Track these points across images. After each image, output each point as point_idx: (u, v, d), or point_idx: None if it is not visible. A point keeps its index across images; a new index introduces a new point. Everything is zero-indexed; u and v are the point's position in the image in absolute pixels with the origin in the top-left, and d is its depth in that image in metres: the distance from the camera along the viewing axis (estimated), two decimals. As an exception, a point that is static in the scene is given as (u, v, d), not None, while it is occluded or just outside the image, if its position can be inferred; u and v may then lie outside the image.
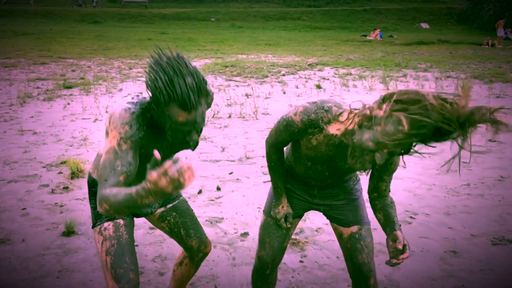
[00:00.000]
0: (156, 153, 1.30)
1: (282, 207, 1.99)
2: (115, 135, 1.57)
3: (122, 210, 1.44)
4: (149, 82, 1.50)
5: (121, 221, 1.83)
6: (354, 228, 1.97)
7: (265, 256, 2.06)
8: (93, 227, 1.86)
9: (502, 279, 2.76)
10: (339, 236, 2.02)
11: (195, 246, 2.11)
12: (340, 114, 1.66)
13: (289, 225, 2.01)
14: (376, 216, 1.89)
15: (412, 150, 1.54)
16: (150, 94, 1.54)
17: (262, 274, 2.11)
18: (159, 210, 2.06)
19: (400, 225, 1.85)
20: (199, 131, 1.65)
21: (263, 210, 2.12)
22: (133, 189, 1.36)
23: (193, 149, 1.78)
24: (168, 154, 1.81)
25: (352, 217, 1.99)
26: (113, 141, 1.57)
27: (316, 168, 1.85)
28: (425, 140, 1.43)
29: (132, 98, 1.66)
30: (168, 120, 1.54)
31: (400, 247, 1.73)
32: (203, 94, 1.53)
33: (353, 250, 1.96)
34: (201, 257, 2.17)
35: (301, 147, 1.79)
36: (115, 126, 1.58)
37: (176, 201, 2.09)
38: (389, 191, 1.90)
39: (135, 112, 1.60)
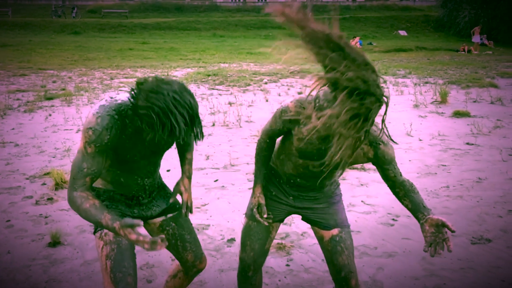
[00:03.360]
0: (137, 221, 1.51)
1: (254, 197, 2.04)
2: (82, 138, 1.69)
3: (88, 220, 1.68)
4: (144, 105, 1.52)
5: None
6: (335, 231, 2.03)
7: (246, 258, 2.11)
8: (94, 232, 1.90)
9: (481, 277, 2.85)
10: (320, 239, 2.08)
11: (190, 260, 2.12)
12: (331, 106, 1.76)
13: (265, 216, 2.01)
14: (403, 203, 1.90)
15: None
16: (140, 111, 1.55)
17: (245, 276, 2.16)
18: (159, 219, 2.08)
19: (431, 210, 1.85)
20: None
21: (245, 214, 2.18)
22: (103, 218, 1.60)
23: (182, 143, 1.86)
24: (147, 156, 1.88)
25: (332, 220, 2.05)
26: (81, 143, 1.70)
27: (307, 165, 1.91)
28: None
29: (106, 100, 1.73)
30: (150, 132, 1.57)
31: (454, 228, 1.73)
32: (193, 125, 1.59)
33: (334, 253, 2.02)
34: (195, 272, 2.18)
35: (293, 139, 1.86)
36: (84, 129, 1.69)
37: (176, 212, 2.11)
38: (401, 174, 1.91)
39: (101, 116, 1.67)
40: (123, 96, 1.75)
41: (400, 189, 1.89)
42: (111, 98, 1.75)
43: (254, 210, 2.03)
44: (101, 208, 1.64)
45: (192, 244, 2.12)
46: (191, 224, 2.17)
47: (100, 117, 1.67)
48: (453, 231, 1.73)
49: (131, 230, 1.51)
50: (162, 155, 1.97)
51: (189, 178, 2.13)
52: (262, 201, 2.03)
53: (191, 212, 2.09)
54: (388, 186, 1.95)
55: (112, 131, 1.69)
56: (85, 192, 1.68)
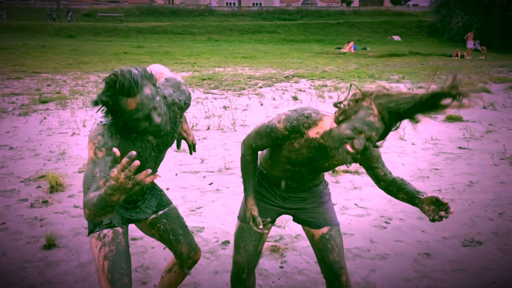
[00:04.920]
0: (116, 150, 1.40)
1: (247, 211, 2.06)
2: (91, 147, 1.70)
3: (99, 211, 1.53)
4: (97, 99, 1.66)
5: (119, 229, 1.92)
6: (325, 229, 2.08)
7: (240, 260, 2.14)
8: (89, 233, 1.92)
9: (472, 278, 2.90)
10: (311, 238, 2.13)
11: (185, 252, 2.17)
12: (320, 119, 1.81)
13: (260, 227, 2.03)
14: (399, 198, 1.94)
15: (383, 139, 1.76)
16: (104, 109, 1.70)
17: (239, 278, 2.19)
18: (151, 217, 2.12)
19: (424, 192, 1.87)
20: (159, 113, 1.72)
21: (238, 216, 2.21)
22: (102, 190, 1.47)
23: (158, 135, 1.80)
24: (155, 156, 1.91)
25: (322, 219, 2.10)
26: (90, 152, 1.70)
27: (295, 170, 1.96)
28: (391, 123, 1.67)
29: (104, 112, 1.76)
30: (124, 115, 1.67)
31: (446, 201, 1.75)
32: (143, 77, 1.66)
33: (324, 250, 2.07)
34: (191, 264, 2.23)
35: (283, 150, 1.90)
36: (91, 138, 1.72)
37: (167, 208, 2.16)
38: (390, 173, 1.95)
39: (106, 123, 1.73)
40: None
41: (393, 186, 1.93)
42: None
43: (251, 223, 2.04)
44: (101, 190, 1.52)
45: (185, 236, 2.16)
46: (182, 218, 2.21)
47: (106, 125, 1.73)
48: (446, 203, 1.75)
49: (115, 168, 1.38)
50: (165, 152, 2.02)
51: (186, 122, 2.24)
52: (256, 213, 2.04)
53: (194, 150, 2.29)
54: (381, 188, 1.98)
55: (120, 136, 1.74)
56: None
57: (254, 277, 2.28)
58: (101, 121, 1.75)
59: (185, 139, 2.28)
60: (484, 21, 28.02)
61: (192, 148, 2.31)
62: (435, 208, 1.78)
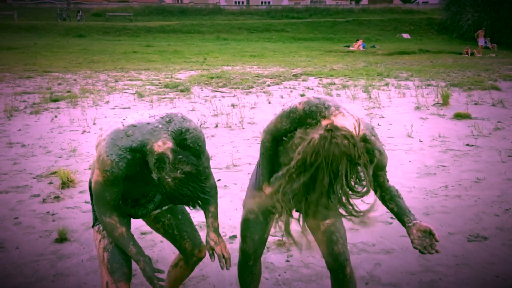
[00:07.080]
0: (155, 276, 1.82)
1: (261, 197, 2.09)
2: (99, 175, 1.79)
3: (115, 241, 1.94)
4: (163, 172, 1.70)
5: None
6: (329, 221, 2.11)
7: (247, 249, 2.20)
8: (93, 226, 1.99)
9: (476, 273, 2.93)
10: (314, 230, 2.16)
11: (188, 249, 2.21)
12: (335, 115, 1.82)
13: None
14: (388, 207, 1.94)
15: None
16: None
17: (246, 265, 2.24)
18: (155, 212, 2.17)
19: (414, 215, 1.91)
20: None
21: (243, 205, 2.26)
22: (130, 251, 1.88)
23: None
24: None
25: (325, 211, 2.12)
26: (99, 177, 1.80)
27: None
28: None
29: (121, 137, 1.79)
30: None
31: (438, 238, 1.83)
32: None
33: (329, 242, 2.10)
34: (196, 260, 2.26)
35: (297, 134, 1.94)
36: (99, 168, 1.79)
37: (171, 204, 2.16)
38: (388, 181, 1.96)
39: (116, 159, 1.76)
40: (136, 132, 1.80)
41: (386, 193, 1.92)
42: (127, 134, 1.79)
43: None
44: (127, 239, 1.90)
45: (189, 233, 2.20)
46: (188, 214, 2.24)
47: (114, 161, 1.76)
48: (437, 241, 1.82)
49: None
50: None
51: (216, 231, 2.09)
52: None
53: (227, 264, 2.05)
54: (373, 190, 1.99)
55: (126, 168, 1.79)
56: (113, 218, 1.88)
57: (260, 265, 2.33)
58: (111, 154, 1.76)
59: (213, 249, 2.06)
60: (495, 19, 27.81)
61: (224, 260, 2.05)
62: (422, 236, 1.82)
